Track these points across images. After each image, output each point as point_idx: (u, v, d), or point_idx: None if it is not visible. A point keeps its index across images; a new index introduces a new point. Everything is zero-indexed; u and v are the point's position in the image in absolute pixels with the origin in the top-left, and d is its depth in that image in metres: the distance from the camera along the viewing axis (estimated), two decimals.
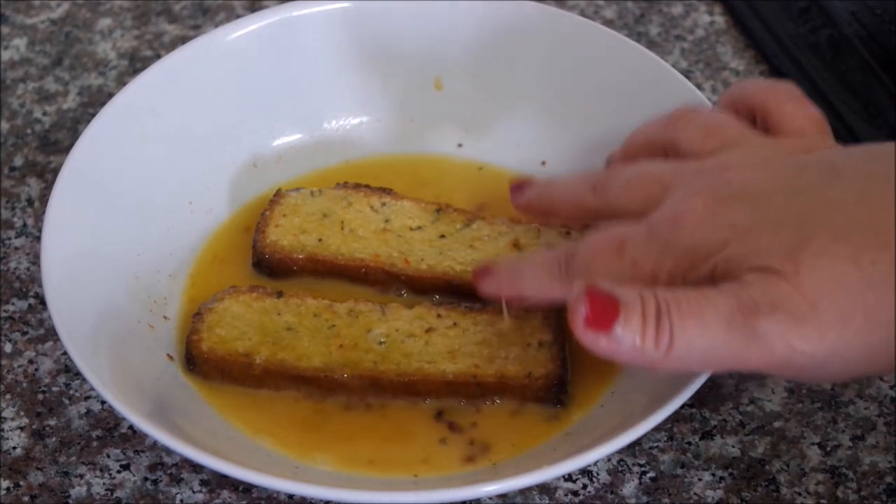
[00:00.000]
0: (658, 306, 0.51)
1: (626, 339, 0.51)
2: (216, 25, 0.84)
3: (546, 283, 0.58)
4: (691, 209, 0.54)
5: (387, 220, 0.69)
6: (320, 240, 0.68)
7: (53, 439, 0.64)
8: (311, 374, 0.62)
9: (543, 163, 0.73)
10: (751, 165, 0.56)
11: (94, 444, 0.63)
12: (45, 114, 0.80)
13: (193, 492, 0.61)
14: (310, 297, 0.65)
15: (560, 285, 0.57)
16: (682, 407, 0.59)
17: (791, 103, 0.60)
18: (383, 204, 0.70)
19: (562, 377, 0.62)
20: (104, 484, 0.62)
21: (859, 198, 0.52)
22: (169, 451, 0.62)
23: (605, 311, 0.51)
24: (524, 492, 0.61)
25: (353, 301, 0.65)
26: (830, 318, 0.50)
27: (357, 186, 0.70)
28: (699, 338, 0.51)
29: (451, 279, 0.67)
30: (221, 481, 0.62)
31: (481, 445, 0.61)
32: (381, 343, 0.63)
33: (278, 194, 0.70)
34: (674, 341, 0.51)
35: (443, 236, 0.68)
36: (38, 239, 0.67)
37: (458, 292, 0.66)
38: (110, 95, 0.76)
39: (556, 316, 0.64)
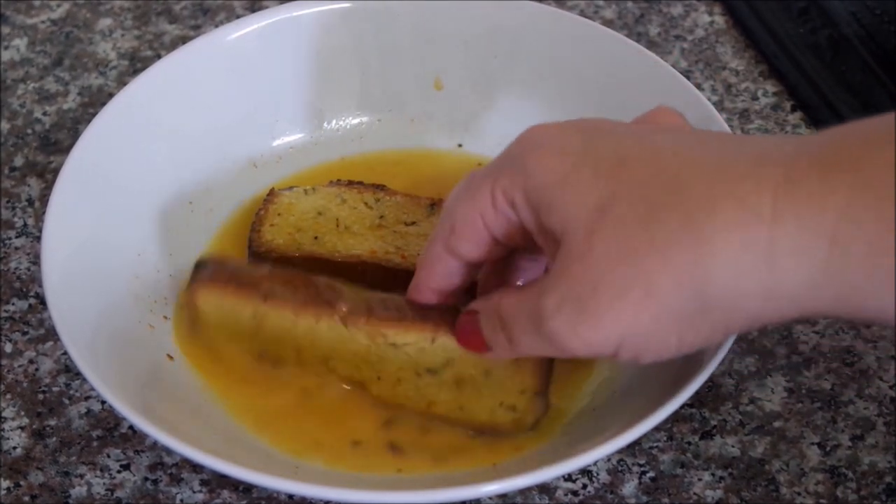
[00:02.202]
0: (497, 321, 0.56)
1: (493, 350, 0.57)
2: (216, 25, 0.84)
3: (428, 254, 0.59)
4: (541, 127, 0.55)
5: (381, 217, 0.69)
6: (316, 237, 0.68)
7: (54, 439, 0.64)
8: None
9: None
10: (606, 120, 0.56)
11: (95, 443, 0.64)
12: (45, 114, 0.80)
13: (193, 492, 0.62)
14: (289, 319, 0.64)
15: (433, 243, 0.58)
16: (682, 407, 0.59)
17: (664, 112, 0.59)
18: (377, 200, 0.70)
19: (545, 407, 0.61)
20: (104, 484, 0.62)
21: (673, 152, 0.52)
22: (169, 451, 0.63)
23: (475, 337, 0.58)
24: (524, 492, 0.61)
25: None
26: (607, 299, 0.51)
27: (350, 183, 0.71)
28: (526, 344, 0.55)
29: None
30: (221, 481, 0.62)
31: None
32: (378, 378, 0.62)
33: (272, 193, 0.70)
34: (515, 349, 0.56)
35: None
36: (39, 239, 0.67)
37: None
38: (111, 95, 0.76)
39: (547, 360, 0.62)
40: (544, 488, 0.62)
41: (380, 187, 0.70)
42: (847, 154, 0.49)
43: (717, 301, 0.50)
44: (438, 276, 0.59)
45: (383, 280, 0.67)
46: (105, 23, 0.86)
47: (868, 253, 0.48)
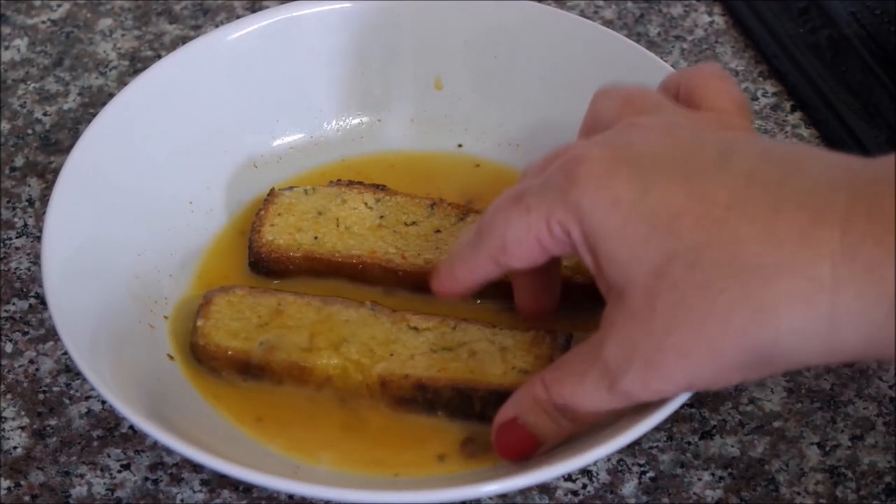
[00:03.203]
0: (551, 411, 0.57)
1: (547, 442, 0.59)
2: (217, 26, 0.84)
3: (470, 256, 0.59)
4: (587, 156, 0.55)
5: (381, 217, 0.69)
6: (316, 238, 0.68)
7: (54, 439, 0.64)
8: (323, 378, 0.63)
9: None
10: (657, 128, 0.56)
11: (95, 443, 0.64)
12: (45, 114, 0.80)
13: (194, 491, 0.62)
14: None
15: (479, 253, 0.59)
16: (682, 407, 0.59)
17: (715, 80, 0.60)
18: (377, 200, 0.70)
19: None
20: (105, 484, 0.62)
21: (727, 205, 0.52)
22: (169, 451, 0.63)
23: (524, 440, 0.59)
24: (524, 491, 0.61)
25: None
26: (674, 359, 0.52)
27: (350, 183, 0.71)
28: (592, 412, 0.56)
29: None
30: (222, 481, 0.62)
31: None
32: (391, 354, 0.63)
33: (272, 193, 0.70)
34: (578, 427, 0.58)
35: (438, 231, 0.68)
36: (39, 239, 0.67)
37: None
38: (111, 95, 0.76)
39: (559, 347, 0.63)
40: (544, 488, 0.62)
41: (380, 187, 0.70)
42: None
43: (779, 358, 0.52)
44: (479, 278, 0.60)
45: (383, 280, 0.67)
46: (105, 23, 0.86)
47: None
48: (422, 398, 0.62)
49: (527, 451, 0.58)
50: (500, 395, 0.60)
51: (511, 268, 0.59)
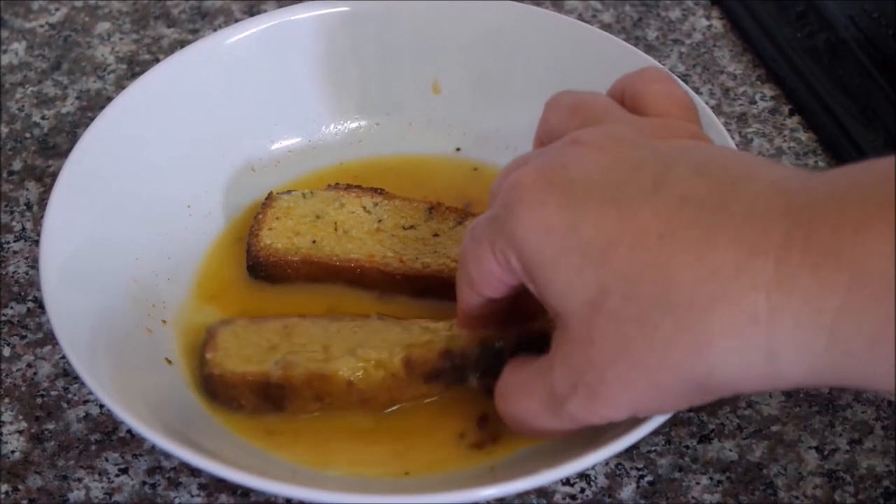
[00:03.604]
0: (507, 419, 0.58)
1: None
2: (215, 29, 0.84)
3: (461, 291, 0.60)
4: (521, 183, 0.54)
5: (380, 220, 0.69)
6: (314, 241, 0.68)
7: (52, 443, 0.64)
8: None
9: None
10: (595, 145, 0.55)
11: (93, 447, 0.64)
12: (43, 118, 0.80)
13: (192, 496, 0.62)
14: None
15: (461, 287, 0.59)
16: (680, 411, 0.59)
17: (656, 84, 0.59)
18: (375, 204, 0.70)
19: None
20: (102, 488, 0.62)
21: (659, 233, 0.51)
22: (167, 455, 0.63)
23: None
24: (522, 496, 0.61)
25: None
26: (616, 388, 0.53)
27: (349, 187, 0.71)
28: (543, 429, 0.57)
29: (446, 277, 0.67)
30: (220, 485, 0.62)
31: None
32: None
33: (270, 197, 0.70)
34: (513, 415, 0.58)
35: (436, 235, 0.68)
36: (37, 243, 0.67)
37: (454, 291, 0.66)
38: (109, 99, 0.76)
39: None
40: (542, 492, 0.62)
41: (378, 191, 0.70)
42: (840, 245, 0.48)
43: (720, 387, 0.52)
44: (477, 308, 0.60)
45: (381, 284, 0.67)
46: (103, 27, 0.86)
47: (868, 345, 0.48)
48: (450, 366, 0.62)
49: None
50: (529, 337, 0.61)
51: (488, 297, 0.59)
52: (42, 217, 0.64)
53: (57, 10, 0.87)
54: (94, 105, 0.80)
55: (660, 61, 0.73)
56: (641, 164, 0.53)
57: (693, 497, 0.61)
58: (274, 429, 0.62)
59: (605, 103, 0.59)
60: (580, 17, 0.84)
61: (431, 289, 0.67)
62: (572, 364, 0.54)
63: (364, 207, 0.70)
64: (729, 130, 0.75)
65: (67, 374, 0.66)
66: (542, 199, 0.54)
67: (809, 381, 0.51)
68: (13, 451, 0.63)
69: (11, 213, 0.74)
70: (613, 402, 0.53)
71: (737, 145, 0.72)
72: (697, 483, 0.62)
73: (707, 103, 0.69)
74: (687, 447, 0.63)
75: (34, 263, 0.71)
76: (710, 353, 0.50)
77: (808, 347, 0.49)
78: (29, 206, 0.75)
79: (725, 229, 0.50)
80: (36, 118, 0.80)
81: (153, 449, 0.63)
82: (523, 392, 0.57)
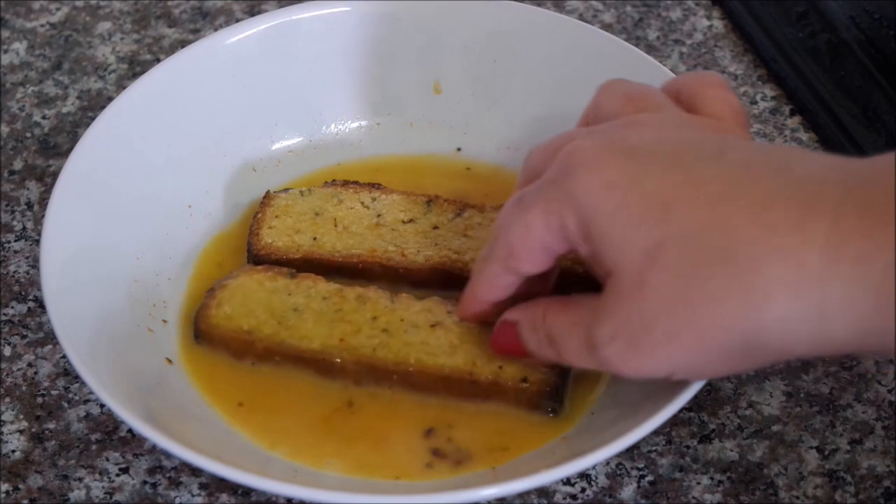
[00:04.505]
0: (542, 337, 0.59)
1: (535, 355, 0.60)
2: (215, 29, 0.84)
3: (484, 269, 0.60)
4: (581, 146, 0.55)
5: (379, 215, 0.69)
6: (315, 238, 0.68)
7: (53, 443, 0.64)
8: (309, 356, 0.63)
9: None
10: (654, 125, 0.57)
11: (94, 447, 0.64)
12: (44, 117, 0.80)
13: (192, 495, 0.62)
14: (322, 280, 0.66)
15: (491, 263, 0.59)
16: (681, 411, 0.59)
17: (715, 89, 0.60)
18: (374, 199, 0.70)
19: (557, 386, 0.62)
20: (103, 487, 0.62)
21: (720, 193, 0.52)
22: (168, 455, 0.63)
23: (514, 343, 0.60)
24: (523, 496, 0.61)
25: (364, 287, 0.65)
26: (661, 341, 0.53)
27: (346, 183, 0.71)
28: (575, 360, 0.57)
29: (448, 269, 0.67)
30: (220, 485, 0.62)
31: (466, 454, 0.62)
32: (384, 331, 0.63)
33: (268, 196, 0.70)
34: (561, 360, 0.58)
35: (436, 227, 0.69)
36: (38, 242, 0.68)
37: (457, 283, 0.67)
38: (110, 99, 0.76)
39: None
40: (543, 492, 0.62)
41: (376, 186, 0.70)
42: (892, 204, 0.49)
43: (767, 345, 0.52)
44: (497, 290, 0.60)
45: (384, 278, 0.67)
46: (104, 26, 0.86)
47: None
48: None
49: (512, 354, 0.61)
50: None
51: (522, 273, 0.59)
52: (43, 217, 0.64)
53: (58, 9, 0.87)
54: (94, 105, 0.80)
55: (661, 61, 0.73)
56: (702, 141, 0.55)
57: (694, 497, 0.61)
58: (274, 426, 0.63)
59: (659, 97, 0.60)
60: (581, 18, 0.84)
61: (433, 281, 0.67)
62: (619, 313, 0.54)
63: (362, 203, 0.70)
64: None
65: (68, 373, 0.66)
66: (605, 161, 0.55)
67: (854, 345, 0.51)
68: (14, 451, 0.63)
69: (12, 212, 0.74)
70: (653, 355, 0.54)
71: None
72: (698, 483, 0.62)
73: None
74: (687, 447, 0.63)
75: (35, 263, 0.71)
76: (763, 307, 0.51)
77: (858, 308, 0.50)
78: (30, 205, 0.75)
79: (784, 191, 0.52)
80: (37, 118, 0.80)
81: (154, 448, 0.63)
82: (568, 323, 0.57)
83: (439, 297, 0.65)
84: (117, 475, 0.62)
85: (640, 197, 0.53)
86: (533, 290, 0.61)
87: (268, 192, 0.70)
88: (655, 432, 0.61)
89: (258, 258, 0.68)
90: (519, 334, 0.60)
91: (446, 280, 0.67)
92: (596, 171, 0.54)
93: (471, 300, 0.62)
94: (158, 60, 0.81)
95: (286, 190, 0.70)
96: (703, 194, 0.53)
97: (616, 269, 0.54)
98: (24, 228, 0.73)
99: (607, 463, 0.62)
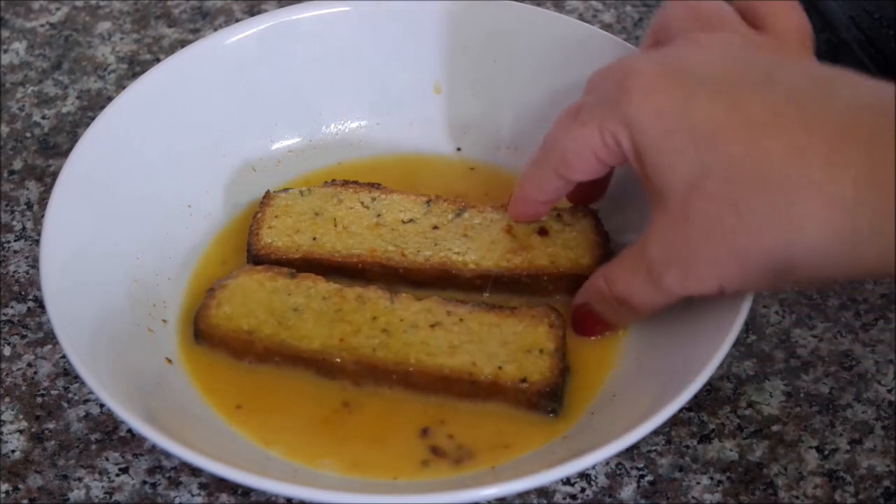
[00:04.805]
0: (612, 301, 0.62)
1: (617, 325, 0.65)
2: (215, 29, 0.84)
3: (536, 173, 0.64)
4: (638, 69, 0.58)
5: (378, 215, 0.69)
6: (315, 238, 0.68)
7: (52, 442, 0.64)
8: (309, 356, 0.63)
9: None
10: (712, 46, 0.59)
11: (93, 447, 0.64)
12: (44, 117, 0.80)
13: (192, 495, 0.62)
14: (322, 280, 0.66)
15: (543, 168, 0.63)
16: (681, 411, 0.59)
17: (783, 7, 0.62)
18: (374, 199, 0.70)
19: (556, 386, 0.62)
20: (103, 487, 0.62)
21: (763, 122, 0.55)
22: (168, 455, 0.63)
23: (599, 324, 0.65)
24: (523, 496, 0.61)
25: (363, 287, 0.66)
26: (707, 265, 0.57)
27: (346, 183, 0.71)
28: (647, 306, 0.61)
29: (448, 269, 0.67)
30: (220, 485, 0.62)
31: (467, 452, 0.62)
32: (383, 331, 0.64)
33: (268, 196, 0.70)
34: (638, 316, 0.63)
35: (436, 227, 0.69)
36: (38, 242, 0.68)
37: (456, 283, 0.67)
38: (109, 99, 0.76)
39: (562, 325, 0.64)
40: (543, 492, 0.62)
41: (375, 186, 0.70)
42: None
43: (802, 271, 0.55)
44: (547, 192, 0.64)
45: (383, 278, 0.67)
46: (104, 26, 0.86)
47: None
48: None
49: (600, 332, 0.65)
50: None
51: (573, 180, 0.63)
52: (42, 216, 0.64)
53: (58, 9, 0.87)
54: (94, 105, 0.80)
55: None
56: (754, 64, 0.57)
57: (693, 497, 0.61)
58: (274, 426, 0.63)
59: (726, 12, 0.62)
60: (581, 17, 0.84)
61: (433, 281, 0.67)
62: (668, 241, 0.58)
63: (362, 203, 0.70)
64: None
65: (68, 373, 0.66)
66: (658, 85, 0.57)
67: (882, 269, 0.54)
68: (13, 451, 0.63)
69: (12, 212, 0.74)
70: (703, 276, 0.57)
71: None
72: (698, 483, 0.62)
73: None
74: (687, 447, 0.63)
75: (34, 263, 0.71)
76: (798, 235, 0.54)
77: (886, 234, 0.52)
78: (29, 205, 0.75)
79: (822, 121, 0.54)
80: (36, 118, 0.80)
81: (153, 448, 0.63)
82: (624, 270, 0.61)
83: (439, 298, 0.65)
84: (117, 475, 0.62)
85: (687, 125, 0.56)
86: (584, 194, 0.66)
87: (268, 191, 0.70)
88: (655, 432, 0.61)
89: (258, 258, 0.68)
90: (594, 312, 0.64)
91: (445, 280, 0.67)
92: (650, 94, 0.57)
93: (522, 201, 0.66)
94: (158, 60, 0.81)
95: (286, 190, 0.70)
96: (745, 123, 0.55)
97: (664, 196, 0.57)
98: (24, 228, 0.73)
99: (607, 463, 0.62)
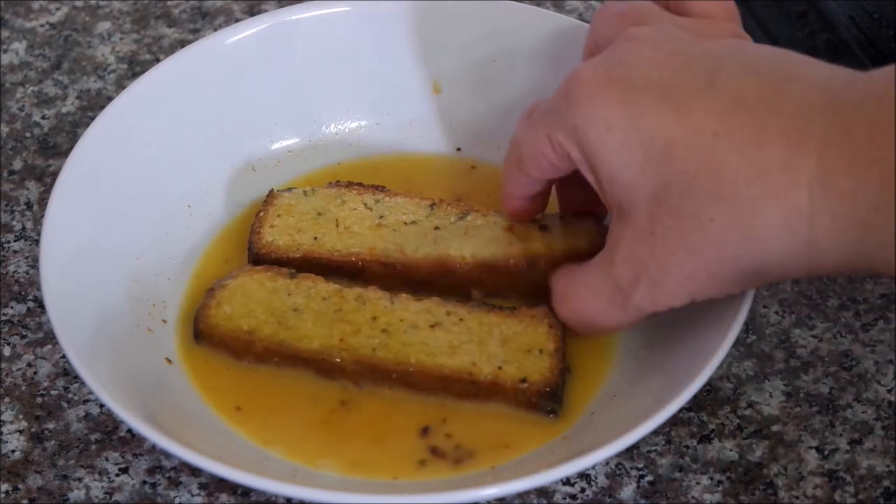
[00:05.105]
0: (578, 324, 0.63)
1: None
2: (215, 29, 0.84)
3: (507, 171, 0.64)
4: (580, 77, 0.58)
5: (381, 217, 0.69)
6: (316, 238, 0.68)
7: (52, 443, 0.64)
8: (309, 356, 0.63)
9: None
10: (648, 41, 0.59)
11: (93, 447, 0.64)
12: (44, 117, 0.80)
13: (192, 495, 0.62)
14: (322, 280, 0.66)
15: (509, 165, 0.64)
16: (680, 411, 0.59)
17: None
18: (377, 201, 0.70)
19: (556, 386, 0.62)
20: (103, 487, 0.62)
21: (714, 132, 0.55)
22: (167, 455, 0.63)
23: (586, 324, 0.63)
24: (522, 496, 0.61)
25: (363, 287, 0.66)
26: (677, 279, 0.57)
27: (350, 185, 0.71)
28: (609, 325, 0.61)
29: (445, 262, 0.67)
30: (220, 485, 0.62)
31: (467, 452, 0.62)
32: (383, 331, 0.64)
33: (271, 195, 0.70)
34: (578, 318, 0.62)
35: (437, 228, 0.68)
36: (37, 242, 0.68)
37: (456, 281, 0.66)
38: (109, 99, 0.76)
39: (561, 325, 0.64)
40: (542, 492, 0.62)
41: (379, 188, 0.70)
42: (873, 144, 0.52)
43: (769, 275, 0.56)
44: (521, 187, 0.65)
45: (382, 276, 0.67)
46: (104, 26, 0.86)
47: None
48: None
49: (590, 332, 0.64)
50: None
51: (534, 177, 0.63)
52: (42, 217, 0.64)
53: (57, 9, 0.87)
54: (94, 105, 0.80)
55: None
56: (693, 62, 0.57)
57: (693, 497, 0.61)
58: (274, 426, 0.63)
59: (650, 7, 0.62)
60: (580, 17, 0.84)
61: (432, 281, 0.67)
62: (636, 257, 0.58)
63: (365, 204, 0.70)
64: None
65: (67, 373, 0.66)
66: (602, 95, 0.57)
67: (844, 269, 0.55)
68: (13, 451, 0.63)
69: (12, 212, 0.74)
70: (674, 291, 0.57)
71: None
72: (698, 483, 0.62)
73: None
74: (687, 447, 0.63)
75: (34, 263, 0.71)
76: (760, 244, 0.55)
77: (844, 238, 0.53)
78: (29, 205, 0.75)
79: (773, 129, 0.54)
80: (36, 118, 0.80)
81: (153, 448, 0.63)
82: (586, 291, 0.61)
83: (439, 298, 0.65)
84: (117, 475, 0.62)
85: (640, 140, 0.56)
86: (580, 204, 0.66)
87: (271, 190, 0.70)
88: (655, 432, 0.61)
89: (259, 256, 0.68)
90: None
91: (445, 277, 0.67)
92: (595, 107, 0.57)
93: (505, 197, 0.66)
94: (158, 60, 0.81)
95: (290, 189, 0.70)
96: (697, 135, 0.55)
97: (627, 209, 0.57)
98: (24, 228, 0.73)
99: (607, 463, 0.62)
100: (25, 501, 0.62)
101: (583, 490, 0.62)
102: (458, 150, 0.75)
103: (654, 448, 0.63)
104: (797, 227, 0.54)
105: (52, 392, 0.66)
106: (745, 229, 0.55)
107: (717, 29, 0.60)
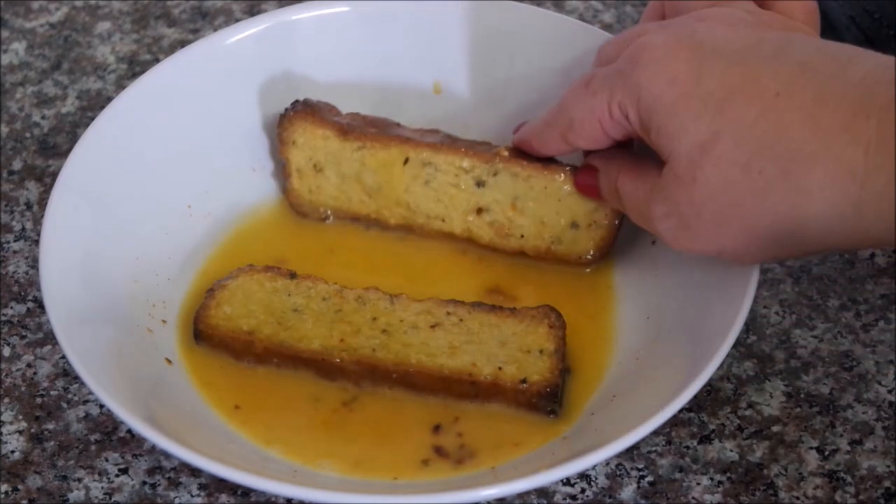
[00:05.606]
0: (612, 188, 0.64)
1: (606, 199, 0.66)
2: (215, 29, 0.84)
3: (543, 131, 0.66)
4: (650, 42, 0.59)
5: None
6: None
7: (52, 443, 0.64)
8: (309, 357, 0.63)
9: None
10: (722, 20, 0.60)
11: (93, 447, 0.63)
12: (43, 117, 0.80)
13: (192, 496, 0.61)
14: (322, 280, 0.66)
15: (551, 129, 0.65)
16: (681, 411, 0.59)
17: None
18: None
19: (555, 386, 0.62)
20: (102, 488, 0.62)
21: (776, 91, 0.55)
22: (167, 455, 0.62)
23: (592, 185, 0.66)
24: (523, 496, 0.61)
25: (364, 289, 0.66)
26: (710, 225, 0.57)
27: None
28: (635, 220, 0.63)
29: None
30: (220, 485, 0.62)
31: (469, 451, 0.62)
32: (383, 332, 0.64)
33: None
34: (625, 211, 0.64)
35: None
36: (37, 242, 0.67)
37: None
38: (109, 99, 0.76)
39: (561, 326, 0.64)
40: (543, 492, 0.62)
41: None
42: None
43: (808, 238, 0.56)
44: (548, 151, 0.66)
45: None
46: (104, 26, 0.86)
47: None
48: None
49: (589, 195, 0.67)
50: None
51: (576, 146, 0.64)
52: (42, 217, 0.64)
53: (57, 9, 0.87)
54: (94, 105, 0.80)
55: None
56: (765, 38, 0.58)
57: (693, 497, 0.61)
58: (273, 427, 0.63)
59: None
60: (581, 17, 0.84)
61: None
62: (672, 197, 0.58)
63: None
64: None
65: (67, 373, 0.66)
66: (672, 54, 0.58)
67: (884, 237, 0.54)
68: (13, 451, 0.63)
69: (11, 212, 0.74)
70: (701, 237, 0.58)
71: None
72: (698, 483, 0.62)
73: None
74: (687, 447, 0.63)
75: (34, 263, 0.71)
76: (807, 200, 0.54)
77: (891, 203, 0.53)
78: (29, 205, 0.75)
79: (836, 93, 0.54)
80: (36, 118, 0.80)
81: (153, 449, 0.63)
82: (636, 184, 0.62)
83: (439, 298, 0.65)
84: (116, 476, 0.62)
85: (701, 91, 0.57)
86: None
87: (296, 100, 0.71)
88: (655, 432, 0.61)
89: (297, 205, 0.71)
90: (595, 180, 0.65)
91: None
92: (663, 64, 0.58)
93: (525, 144, 0.67)
94: (158, 60, 0.81)
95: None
96: (759, 91, 0.56)
97: (671, 157, 0.57)
98: (24, 228, 0.73)
99: (607, 463, 0.62)
100: (25, 502, 0.62)
101: (583, 490, 0.62)
102: None
103: (654, 448, 0.63)
104: (848, 187, 0.53)
105: (52, 392, 0.66)
106: (793, 183, 0.54)
107: (793, 26, 0.61)
